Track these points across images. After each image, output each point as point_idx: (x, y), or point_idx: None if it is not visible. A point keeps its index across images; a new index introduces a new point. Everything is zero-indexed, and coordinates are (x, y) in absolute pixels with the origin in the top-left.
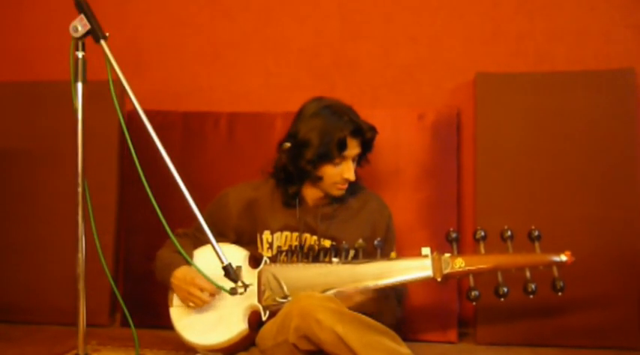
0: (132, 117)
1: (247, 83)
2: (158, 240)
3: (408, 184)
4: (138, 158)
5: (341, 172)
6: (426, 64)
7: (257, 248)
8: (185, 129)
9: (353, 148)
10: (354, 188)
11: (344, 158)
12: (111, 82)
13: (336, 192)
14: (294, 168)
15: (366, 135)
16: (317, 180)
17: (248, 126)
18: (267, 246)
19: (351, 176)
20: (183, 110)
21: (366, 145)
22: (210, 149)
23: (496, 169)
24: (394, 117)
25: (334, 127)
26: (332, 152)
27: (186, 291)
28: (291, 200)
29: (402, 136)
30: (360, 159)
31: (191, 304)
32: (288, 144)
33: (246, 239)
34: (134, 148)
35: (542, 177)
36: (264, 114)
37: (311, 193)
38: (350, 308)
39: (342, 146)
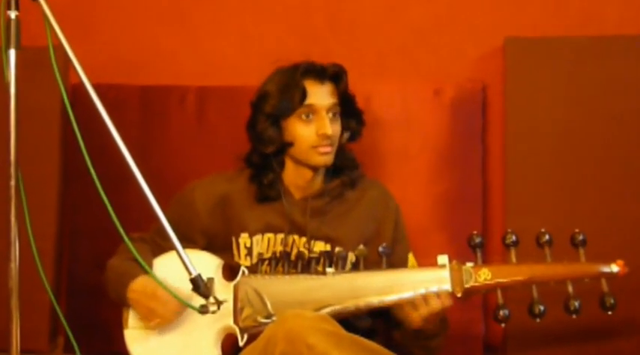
0: (77, 92)
1: (220, 50)
2: (109, 246)
3: (421, 175)
4: (85, 143)
5: (315, 129)
6: (443, 27)
7: (232, 255)
8: (144, 107)
9: (322, 96)
10: (352, 178)
11: (313, 110)
12: (51, 49)
13: (319, 158)
14: (256, 138)
15: (328, 72)
16: (289, 148)
17: (221, 104)
18: (245, 252)
19: (328, 129)
20: (142, 83)
21: (343, 96)
22: (175, 131)
23: (530, 157)
24: (405, 92)
25: (292, 72)
26: (293, 99)
27: (147, 307)
28: (269, 191)
29: (414, 116)
30: (349, 125)
31: (152, 323)
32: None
33: (219, 244)
34: (80, 131)
35: (587, 166)
36: (241, 89)
37: (295, 179)
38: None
39: (303, 91)
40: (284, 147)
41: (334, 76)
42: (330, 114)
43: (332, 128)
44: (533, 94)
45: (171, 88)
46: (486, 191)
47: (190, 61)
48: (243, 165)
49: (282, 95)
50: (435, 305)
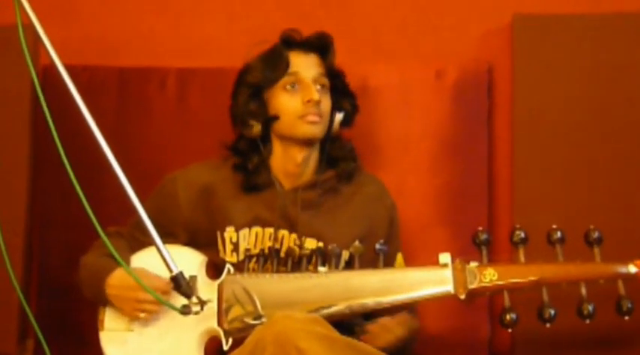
0: (49, 74)
1: (204, 29)
2: (83, 241)
3: (421, 165)
4: (57, 129)
5: (301, 98)
6: (446, 3)
7: (217, 251)
8: (121, 91)
9: (306, 66)
10: (348, 171)
11: (298, 79)
12: (20, 28)
13: (307, 127)
14: (239, 117)
15: (311, 42)
16: (274, 123)
17: (205, 86)
18: (231, 248)
19: (315, 95)
20: (119, 65)
21: (332, 70)
22: (155, 116)
23: (540, 145)
24: (403, 74)
25: (275, 45)
26: (276, 68)
27: (133, 299)
28: (256, 178)
29: (414, 100)
30: (341, 104)
31: (142, 315)
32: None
33: (203, 239)
34: (52, 116)
35: (603, 155)
36: (226, 71)
37: (284, 165)
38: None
39: (287, 60)
40: (268, 122)
41: (319, 46)
42: (318, 86)
43: (320, 98)
44: (543, 76)
45: (151, 69)
46: (492, 182)
47: (171, 41)
48: (227, 153)
49: (264, 65)
50: (386, 338)
